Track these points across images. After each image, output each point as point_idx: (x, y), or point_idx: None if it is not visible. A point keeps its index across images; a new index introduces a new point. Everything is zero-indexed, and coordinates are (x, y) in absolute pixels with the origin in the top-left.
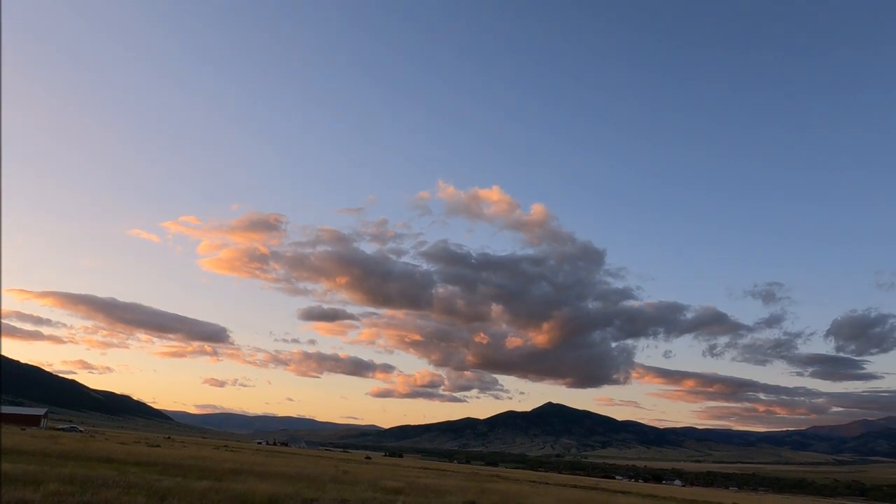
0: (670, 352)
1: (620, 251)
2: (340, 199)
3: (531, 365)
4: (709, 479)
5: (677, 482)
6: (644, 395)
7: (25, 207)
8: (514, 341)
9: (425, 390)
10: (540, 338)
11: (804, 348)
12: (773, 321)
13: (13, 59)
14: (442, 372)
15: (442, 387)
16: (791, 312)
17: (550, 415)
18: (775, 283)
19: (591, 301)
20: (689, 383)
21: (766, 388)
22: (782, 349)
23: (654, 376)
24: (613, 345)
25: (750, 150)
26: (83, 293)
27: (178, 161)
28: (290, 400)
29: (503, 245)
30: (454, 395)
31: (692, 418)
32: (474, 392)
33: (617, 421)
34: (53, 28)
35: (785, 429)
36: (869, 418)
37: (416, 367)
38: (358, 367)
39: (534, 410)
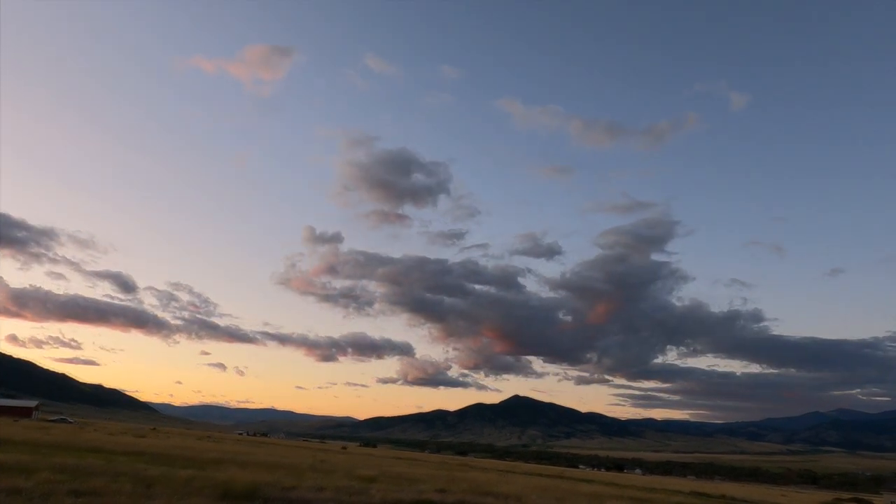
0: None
1: None
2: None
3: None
4: (667, 468)
5: (638, 471)
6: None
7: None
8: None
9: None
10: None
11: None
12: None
13: None
14: (447, 349)
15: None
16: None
17: (517, 407)
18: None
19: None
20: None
21: (721, 379)
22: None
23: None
24: None
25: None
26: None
27: None
28: (271, 392)
29: None
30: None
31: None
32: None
33: (580, 413)
34: None
35: (740, 420)
36: (820, 410)
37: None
38: (351, 351)
39: (501, 403)
